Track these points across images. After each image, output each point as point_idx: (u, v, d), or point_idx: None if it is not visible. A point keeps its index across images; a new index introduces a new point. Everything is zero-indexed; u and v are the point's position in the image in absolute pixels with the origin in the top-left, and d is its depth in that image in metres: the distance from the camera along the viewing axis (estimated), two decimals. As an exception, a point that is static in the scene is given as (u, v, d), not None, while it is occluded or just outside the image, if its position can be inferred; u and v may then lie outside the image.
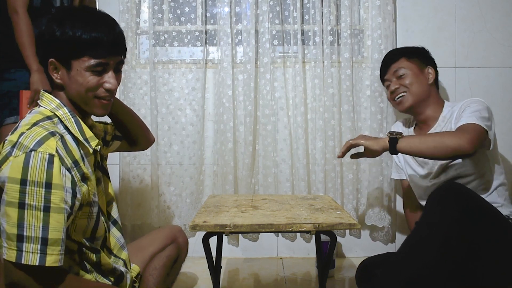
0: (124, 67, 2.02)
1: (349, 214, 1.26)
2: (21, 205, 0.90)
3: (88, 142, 1.07)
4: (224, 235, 1.36)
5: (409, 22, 2.11)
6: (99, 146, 1.10)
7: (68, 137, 1.02)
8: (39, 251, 0.91)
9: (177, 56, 2.11)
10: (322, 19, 2.03)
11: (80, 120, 1.06)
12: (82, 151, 1.05)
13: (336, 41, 2.06)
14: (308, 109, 2.08)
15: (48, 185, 0.92)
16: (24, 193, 0.90)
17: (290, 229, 1.13)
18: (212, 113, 2.11)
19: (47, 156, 0.92)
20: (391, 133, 1.44)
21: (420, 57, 1.73)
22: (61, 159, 0.95)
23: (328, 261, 1.37)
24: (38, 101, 1.07)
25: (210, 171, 2.11)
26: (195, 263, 2.03)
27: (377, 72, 2.02)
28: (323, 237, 1.72)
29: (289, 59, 2.07)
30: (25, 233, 0.90)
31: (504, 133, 2.13)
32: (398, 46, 2.09)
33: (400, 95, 1.69)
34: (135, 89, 2.08)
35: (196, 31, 2.07)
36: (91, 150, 1.07)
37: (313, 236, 1.90)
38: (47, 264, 0.91)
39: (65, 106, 1.05)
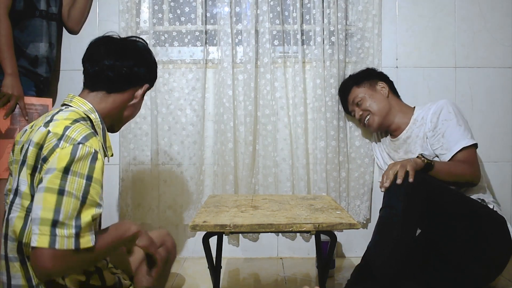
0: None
1: (349, 214, 1.26)
2: (61, 192, 0.94)
3: (106, 151, 1.16)
4: (224, 235, 1.36)
5: (409, 22, 2.11)
6: (112, 155, 1.21)
7: (98, 131, 1.12)
8: (74, 236, 0.93)
9: (177, 56, 2.11)
10: (323, 19, 2.03)
11: (105, 128, 1.17)
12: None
13: (341, 41, 2.05)
14: (309, 109, 2.08)
15: (90, 178, 0.97)
16: (65, 180, 0.95)
17: (290, 229, 1.13)
18: (212, 113, 2.11)
19: (93, 151, 0.99)
20: (423, 155, 1.53)
21: (367, 78, 1.90)
22: (102, 158, 1.01)
23: (328, 261, 1.37)
24: (66, 102, 1.14)
25: (210, 171, 2.11)
26: (195, 263, 2.03)
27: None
28: (323, 237, 1.72)
29: (289, 59, 2.07)
30: (60, 219, 0.93)
31: (504, 133, 2.13)
32: (397, 46, 2.10)
33: (366, 119, 1.87)
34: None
35: (196, 31, 2.07)
36: (106, 160, 1.13)
37: (313, 236, 1.90)
38: (81, 247, 0.94)
39: (96, 111, 1.14)
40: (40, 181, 0.96)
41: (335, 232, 1.24)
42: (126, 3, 2.03)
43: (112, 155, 1.20)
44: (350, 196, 2.08)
